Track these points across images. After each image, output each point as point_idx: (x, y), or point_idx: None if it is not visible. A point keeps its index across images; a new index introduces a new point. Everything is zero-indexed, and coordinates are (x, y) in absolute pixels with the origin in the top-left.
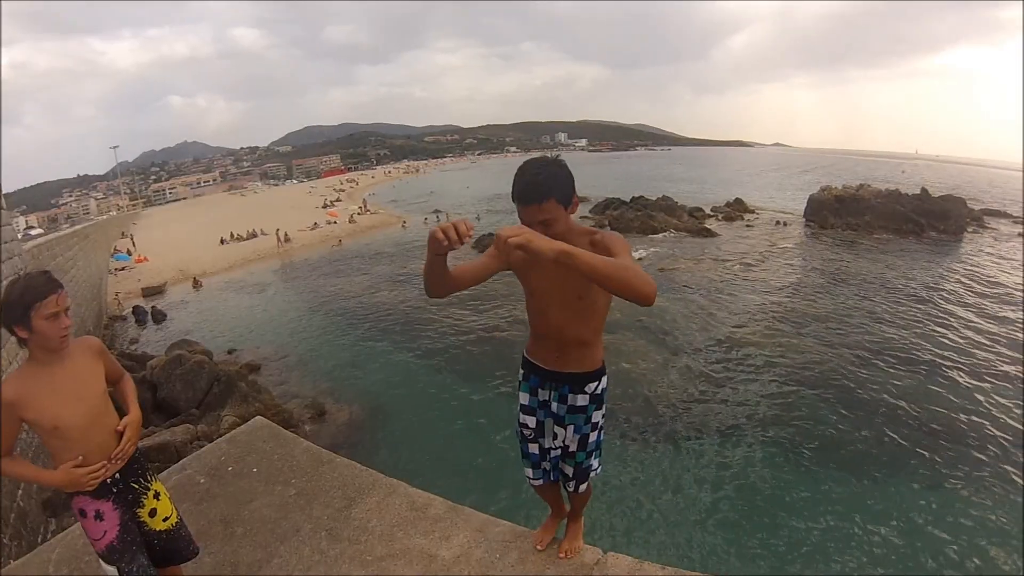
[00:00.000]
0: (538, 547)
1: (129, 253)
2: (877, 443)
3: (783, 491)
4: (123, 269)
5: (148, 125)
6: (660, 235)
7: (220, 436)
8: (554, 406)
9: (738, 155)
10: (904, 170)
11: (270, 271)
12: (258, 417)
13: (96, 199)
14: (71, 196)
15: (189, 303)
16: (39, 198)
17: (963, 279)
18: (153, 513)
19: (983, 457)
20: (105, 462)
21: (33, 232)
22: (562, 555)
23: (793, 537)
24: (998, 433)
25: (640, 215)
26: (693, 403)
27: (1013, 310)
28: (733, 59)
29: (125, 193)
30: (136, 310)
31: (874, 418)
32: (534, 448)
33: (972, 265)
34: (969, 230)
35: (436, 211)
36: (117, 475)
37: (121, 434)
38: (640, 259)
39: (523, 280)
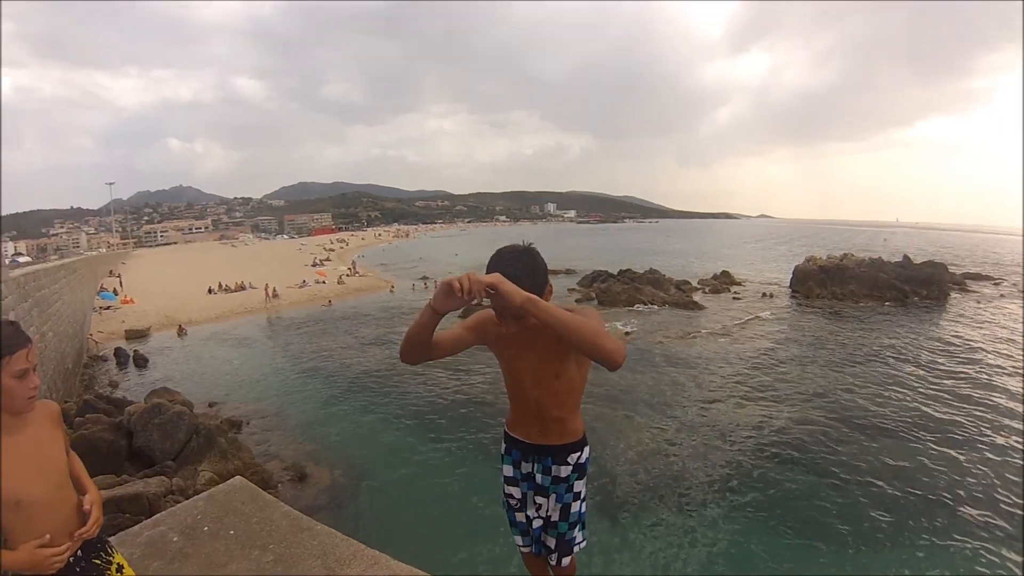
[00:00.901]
0: None
1: (116, 293)
2: (861, 515)
3: (766, 565)
4: (108, 308)
5: (145, 164)
6: (646, 306)
7: (196, 492)
8: (538, 477)
9: (725, 227)
10: (886, 238)
11: (257, 325)
12: (238, 477)
13: (88, 233)
14: (63, 227)
15: (173, 350)
16: (31, 225)
17: (948, 345)
18: None
19: (970, 526)
20: (70, 542)
21: (21, 259)
22: None
23: None
24: (981, 502)
25: (627, 288)
26: (676, 476)
27: (997, 374)
28: (717, 132)
29: (117, 231)
30: (118, 352)
31: (857, 489)
32: (521, 517)
33: (956, 329)
34: (952, 294)
35: (424, 277)
36: (79, 552)
37: (82, 510)
38: (628, 333)
39: (499, 357)
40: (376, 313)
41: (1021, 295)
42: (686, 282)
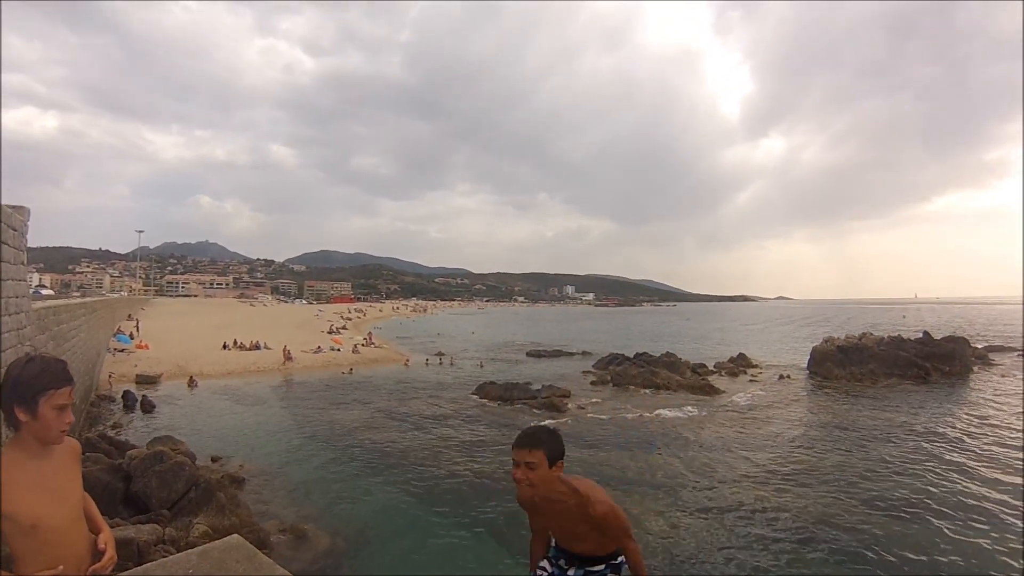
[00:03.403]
0: None
1: (132, 336)
2: None
3: None
4: (123, 351)
5: (175, 217)
6: (662, 392)
7: (189, 544)
8: (571, 571)
9: (742, 309)
10: (905, 315)
11: (268, 386)
12: (235, 535)
13: (112, 276)
14: (88, 267)
15: (181, 400)
16: (58, 261)
17: (971, 423)
18: None
19: None
20: None
21: (43, 292)
22: None
23: None
24: None
25: (643, 371)
26: (694, 565)
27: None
28: (738, 214)
29: (140, 277)
30: (126, 395)
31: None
32: None
33: (979, 406)
34: (974, 369)
35: (440, 354)
36: None
37: (96, 549)
38: (640, 416)
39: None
40: (389, 385)
41: None
42: (702, 365)
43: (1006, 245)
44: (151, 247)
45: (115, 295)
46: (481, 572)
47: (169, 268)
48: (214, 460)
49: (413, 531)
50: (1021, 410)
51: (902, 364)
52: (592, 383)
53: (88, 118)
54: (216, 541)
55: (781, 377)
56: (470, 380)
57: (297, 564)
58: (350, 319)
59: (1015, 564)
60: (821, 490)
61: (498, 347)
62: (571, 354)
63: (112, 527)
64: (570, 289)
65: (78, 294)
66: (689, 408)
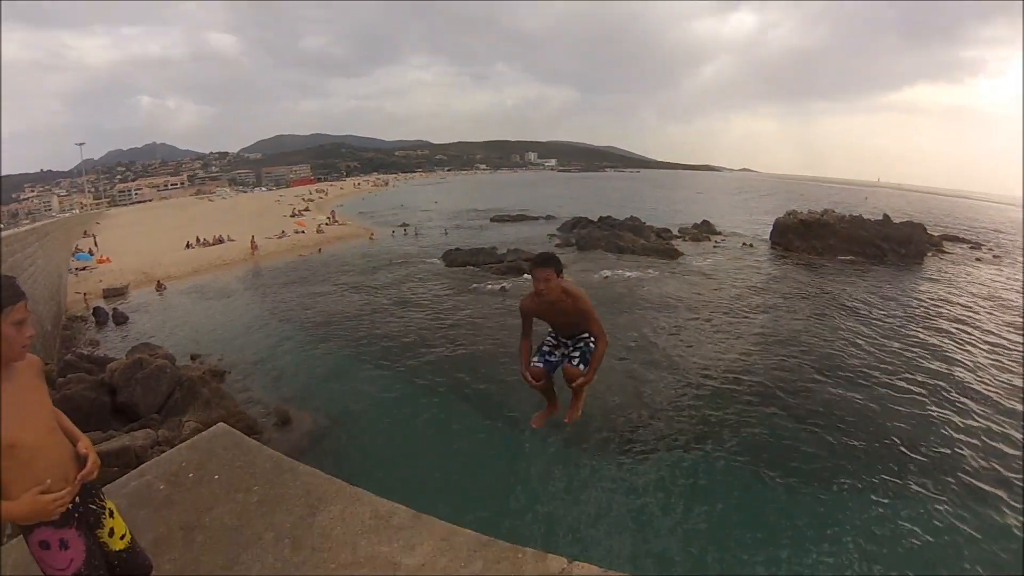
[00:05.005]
0: (533, 425)
1: (91, 253)
2: (836, 456)
3: (748, 503)
4: (84, 269)
5: (116, 124)
6: (626, 255)
7: (182, 442)
8: (568, 342)
9: (706, 179)
10: (867, 197)
11: (236, 277)
12: (220, 424)
13: (59, 196)
14: (33, 192)
15: (152, 306)
16: None
17: (923, 300)
18: (111, 532)
19: (918, 466)
20: (69, 487)
21: None
22: (567, 420)
23: (757, 547)
24: (952, 443)
25: (607, 234)
26: (658, 418)
27: (966, 329)
28: (702, 87)
29: (89, 191)
30: (97, 311)
31: (835, 433)
32: (547, 351)
33: (929, 288)
34: (928, 255)
35: (404, 224)
36: (76, 498)
37: (78, 456)
38: (606, 278)
39: (543, 319)
40: (356, 261)
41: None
42: (666, 230)
43: (972, 142)
44: (96, 158)
45: (66, 215)
46: (459, 431)
47: (119, 177)
48: (193, 358)
49: (391, 401)
50: (970, 293)
51: (861, 243)
52: (557, 245)
53: (4, 35)
54: (203, 432)
55: (744, 245)
56: (436, 248)
57: (285, 445)
58: (312, 200)
59: (956, 423)
60: (779, 352)
61: (462, 215)
62: (535, 218)
63: (106, 439)
64: (532, 156)
65: (27, 221)
66: (652, 271)
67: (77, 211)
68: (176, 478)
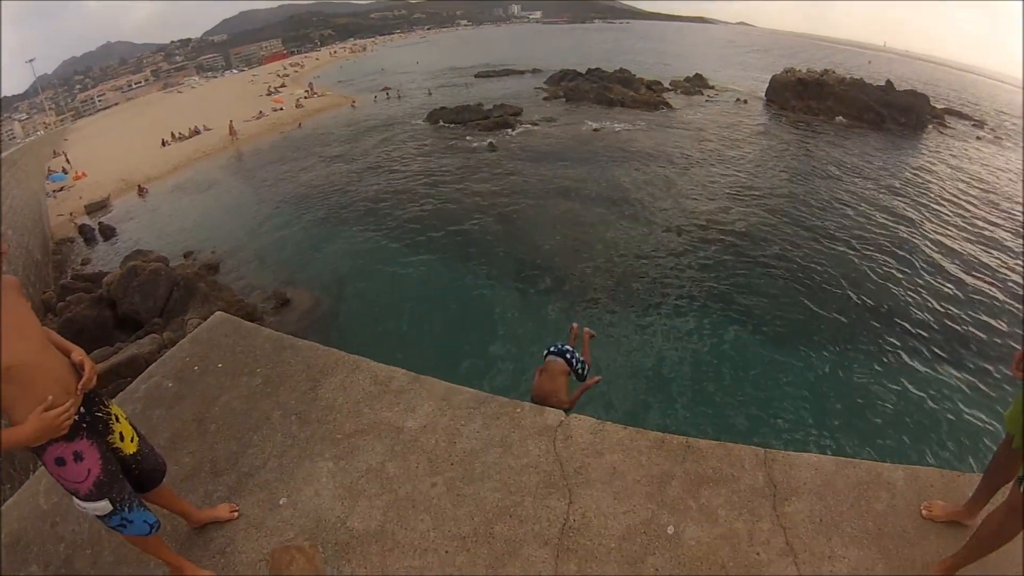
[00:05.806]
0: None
1: (65, 172)
2: (825, 319)
3: (741, 360)
4: (61, 189)
5: (63, 31)
6: (616, 107)
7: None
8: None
9: (700, 31)
10: (870, 61)
11: (218, 166)
12: (217, 312)
13: (19, 121)
14: None
15: (137, 212)
16: None
17: (920, 172)
18: (121, 437)
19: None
20: (72, 399)
21: None
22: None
23: (749, 399)
24: (930, 310)
25: (596, 87)
26: (651, 275)
27: (959, 209)
28: None
29: (51, 109)
30: (83, 229)
31: (827, 297)
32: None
33: (929, 160)
34: (928, 127)
35: (386, 88)
36: (82, 408)
37: (74, 366)
38: (595, 130)
39: None
40: (340, 130)
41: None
42: (657, 82)
43: (984, 16)
44: (50, 72)
45: (31, 138)
46: (454, 290)
47: (78, 87)
48: (187, 256)
49: (387, 269)
50: (966, 171)
51: (860, 107)
52: (544, 99)
53: None
54: (202, 324)
55: (738, 100)
56: (420, 109)
57: (287, 325)
58: (287, 76)
59: (938, 286)
60: (773, 214)
61: (445, 73)
62: (521, 72)
63: (115, 352)
64: (516, 8)
65: None
66: (642, 123)
67: (42, 132)
68: (182, 373)
